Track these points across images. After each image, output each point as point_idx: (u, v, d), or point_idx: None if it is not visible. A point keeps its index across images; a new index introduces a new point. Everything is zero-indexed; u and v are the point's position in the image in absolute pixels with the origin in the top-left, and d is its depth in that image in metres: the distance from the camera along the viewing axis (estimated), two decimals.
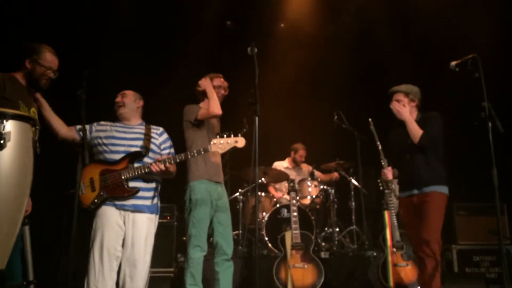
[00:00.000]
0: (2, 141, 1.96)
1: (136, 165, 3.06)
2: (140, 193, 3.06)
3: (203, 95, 3.61)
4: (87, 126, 3.14)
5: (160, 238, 4.63)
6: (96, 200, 2.98)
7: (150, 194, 3.15)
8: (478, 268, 5.11)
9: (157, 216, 3.23)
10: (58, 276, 3.89)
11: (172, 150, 3.34)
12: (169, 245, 4.77)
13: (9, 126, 2.00)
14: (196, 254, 3.36)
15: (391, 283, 3.93)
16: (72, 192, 2.86)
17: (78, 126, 3.06)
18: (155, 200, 3.19)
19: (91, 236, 2.99)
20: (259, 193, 5.49)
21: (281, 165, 6.11)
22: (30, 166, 2.13)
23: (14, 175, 2.01)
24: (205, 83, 3.54)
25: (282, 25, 6.99)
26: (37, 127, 2.31)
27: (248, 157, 3.22)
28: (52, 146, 2.84)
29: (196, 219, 3.39)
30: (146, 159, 3.13)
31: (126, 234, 3.04)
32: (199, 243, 3.36)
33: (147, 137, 3.19)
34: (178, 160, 3.06)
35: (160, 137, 3.31)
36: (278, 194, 5.86)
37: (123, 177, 3.00)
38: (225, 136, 3.00)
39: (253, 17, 6.57)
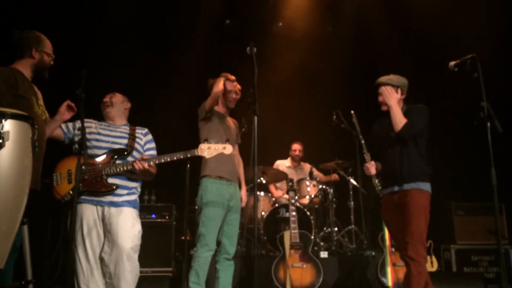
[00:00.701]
0: (1, 141, 1.96)
1: (118, 162, 3.00)
2: (119, 191, 2.98)
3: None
4: (70, 124, 3.09)
5: (158, 238, 4.67)
6: (71, 192, 2.86)
7: (130, 191, 3.07)
8: (476, 268, 5.12)
9: (137, 212, 3.11)
10: (57, 275, 3.88)
11: (154, 152, 3.27)
12: (168, 244, 4.76)
13: (8, 125, 2.01)
14: (204, 254, 3.38)
15: (390, 283, 3.94)
16: (47, 181, 2.81)
17: (64, 125, 3.03)
18: (134, 197, 3.11)
19: (73, 236, 2.84)
20: (258, 193, 5.49)
21: (283, 164, 6.13)
22: (29, 165, 2.13)
23: (13, 175, 2.01)
24: (217, 80, 3.53)
25: (280, 24, 6.99)
26: (36, 127, 2.31)
27: (247, 157, 3.23)
28: (48, 145, 2.83)
29: (206, 218, 3.42)
30: (129, 158, 3.08)
31: (109, 227, 2.92)
32: (208, 242, 3.38)
33: (132, 137, 3.16)
34: (163, 161, 2.99)
35: (144, 137, 3.26)
36: (277, 193, 5.87)
37: (103, 172, 2.93)
38: (213, 142, 3.03)
39: (251, 16, 6.57)
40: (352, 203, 5.70)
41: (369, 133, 3.57)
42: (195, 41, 6.39)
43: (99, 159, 2.99)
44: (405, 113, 3.23)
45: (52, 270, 3.97)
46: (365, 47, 6.71)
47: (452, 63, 3.12)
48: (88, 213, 2.95)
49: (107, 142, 3.10)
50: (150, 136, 3.32)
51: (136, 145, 3.16)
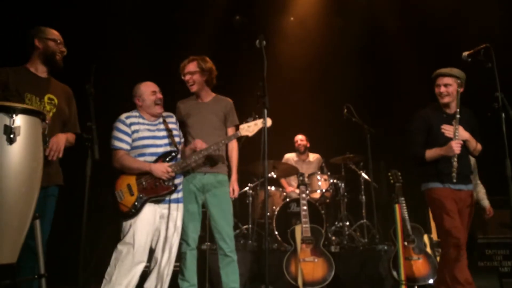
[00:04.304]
0: (12, 136, 1.97)
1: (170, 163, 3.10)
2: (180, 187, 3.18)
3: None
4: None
5: None
6: (136, 203, 2.98)
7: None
8: (491, 262, 5.05)
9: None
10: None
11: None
12: None
13: (19, 120, 2.02)
14: (183, 249, 3.32)
15: (403, 277, 3.90)
16: (109, 199, 2.98)
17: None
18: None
19: (123, 231, 2.98)
20: (269, 187, 5.47)
21: (292, 158, 6.11)
22: (41, 160, 2.14)
23: (24, 170, 2.03)
24: None
25: (292, 18, 6.95)
26: (47, 122, 2.31)
27: (257, 151, 3.21)
28: None
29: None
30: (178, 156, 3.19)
31: (167, 223, 3.08)
32: (183, 236, 3.29)
33: (170, 133, 3.22)
34: (211, 150, 3.15)
35: (176, 125, 3.36)
36: (289, 188, 5.86)
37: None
38: (252, 119, 3.13)
39: (262, 10, 6.54)
40: (363, 197, 5.66)
41: (375, 124, 3.69)
42: (204, 35, 6.37)
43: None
44: (468, 120, 3.33)
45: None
46: (375, 40, 6.64)
47: (465, 53, 3.08)
48: (147, 213, 3.02)
49: (160, 146, 3.15)
50: (175, 119, 3.40)
51: (176, 139, 3.24)
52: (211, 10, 6.37)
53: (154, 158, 3.10)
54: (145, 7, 5.93)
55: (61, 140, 2.66)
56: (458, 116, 3.19)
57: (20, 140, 2.00)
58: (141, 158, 3.07)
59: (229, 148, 3.55)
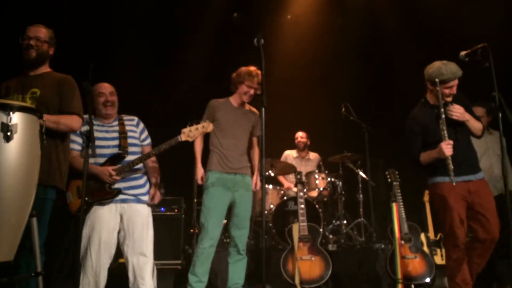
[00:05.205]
0: (9, 133, 1.96)
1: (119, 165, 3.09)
2: (132, 182, 3.14)
3: (235, 87, 3.63)
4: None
5: (167, 231, 4.69)
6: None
7: (140, 182, 3.21)
8: None
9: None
10: (65, 269, 3.94)
11: (150, 140, 3.37)
12: (177, 237, 4.78)
13: (16, 118, 2.01)
14: (203, 244, 3.38)
15: (399, 276, 3.91)
16: (62, 204, 2.99)
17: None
18: (146, 189, 3.23)
19: (86, 233, 3.00)
20: (267, 186, 5.48)
21: (291, 154, 6.14)
22: (38, 158, 2.14)
23: (21, 167, 2.02)
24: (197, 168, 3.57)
25: (289, 16, 6.94)
26: (44, 120, 2.31)
27: None
28: None
29: (206, 208, 3.45)
30: (128, 157, 3.14)
31: (125, 225, 3.09)
32: (209, 233, 3.39)
33: (123, 135, 3.18)
34: (162, 150, 3.08)
35: (137, 128, 3.32)
36: (286, 184, 5.88)
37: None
38: (193, 124, 3.08)
39: (259, 8, 6.53)
40: (361, 195, 5.66)
41: (374, 123, 3.60)
42: (203, 34, 6.37)
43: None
44: (458, 102, 3.21)
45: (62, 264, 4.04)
46: (375, 39, 6.64)
47: (463, 53, 3.08)
48: (103, 213, 3.04)
49: (108, 147, 3.13)
50: (142, 125, 3.37)
51: (130, 141, 3.20)
52: (210, 8, 6.36)
53: (103, 159, 3.10)
54: (145, 5, 5.91)
55: None
56: (443, 116, 3.09)
57: (17, 138, 1.99)
58: (92, 159, 3.06)
59: (252, 151, 3.75)
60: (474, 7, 5.53)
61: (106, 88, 3.23)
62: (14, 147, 1.99)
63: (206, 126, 3.10)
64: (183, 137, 3.06)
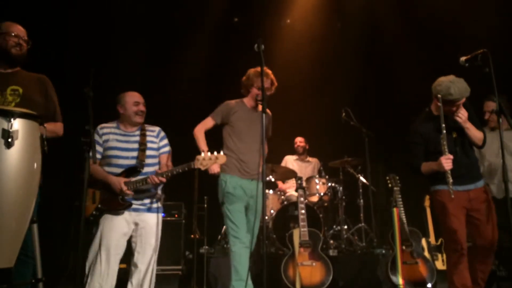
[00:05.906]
0: (10, 140, 1.96)
1: (134, 179, 3.11)
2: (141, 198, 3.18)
3: (247, 90, 3.62)
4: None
5: (168, 236, 4.66)
6: (94, 212, 3.08)
7: (151, 195, 3.24)
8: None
9: (160, 216, 3.29)
10: (67, 274, 3.93)
11: (168, 149, 3.38)
12: (177, 243, 4.76)
13: (17, 124, 2.01)
14: (234, 247, 3.39)
15: (400, 281, 3.90)
16: (77, 205, 3.05)
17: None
18: (157, 203, 3.27)
19: (97, 238, 3.04)
20: (267, 191, 5.47)
21: (291, 158, 6.19)
22: (39, 164, 2.14)
23: (22, 174, 2.02)
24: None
25: (288, 21, 6.95)
26: (45, 126, 2.31)
27: None
28: (60, 144, 2.84)
29: (229, 211, 3.44)
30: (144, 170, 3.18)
31: (138, 233, 3.15)
32: (237, 235, 3.39)
33: (142, 147, 3.21)
34: (175, 173, 3.12)
35: (157, 138, 3.34)
36: (283, 186, 5.91)
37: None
38: (209, 153, 3.09)
39: (259, 13, 6.55)
40: (361, 201, 5.66)
41: (373, 127, 3.58)
42: (203, 34, 6.39)
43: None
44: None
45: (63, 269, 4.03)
46: (374, 44, 6.65)
47: (463, 58, 3.08)
48: (116, 220, 3.08)
49: (126, 158, 3.17)
50: (162, 134, 3.40)
51: (148, 152, 3.23)
52: (210, 13, 6.37)
53: (120, 170, 3.13)
54: (145, 8, 5.93)
55: None
56: (444, 131, 3.05)
57: (18, 144, 1.99)
58: (108, 168, 3.13)
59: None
60: (474, 8, 5.54)
61: (140, 97, 3.30)
62: (15, 154, 1.99)
63: (220, 158, 3.11)
64: (196, 164, 3.09)
